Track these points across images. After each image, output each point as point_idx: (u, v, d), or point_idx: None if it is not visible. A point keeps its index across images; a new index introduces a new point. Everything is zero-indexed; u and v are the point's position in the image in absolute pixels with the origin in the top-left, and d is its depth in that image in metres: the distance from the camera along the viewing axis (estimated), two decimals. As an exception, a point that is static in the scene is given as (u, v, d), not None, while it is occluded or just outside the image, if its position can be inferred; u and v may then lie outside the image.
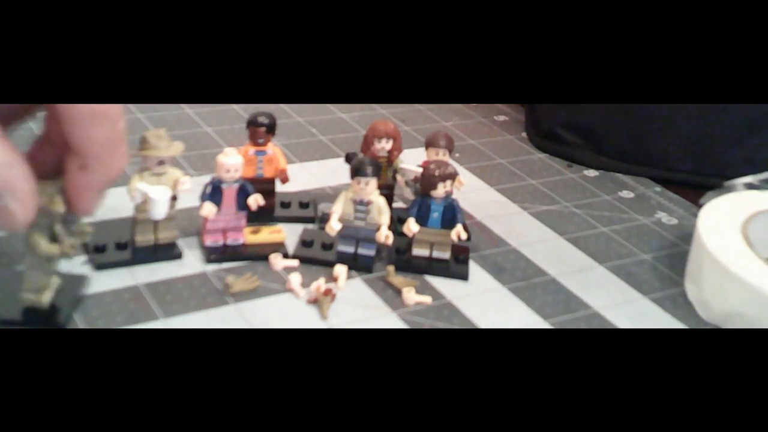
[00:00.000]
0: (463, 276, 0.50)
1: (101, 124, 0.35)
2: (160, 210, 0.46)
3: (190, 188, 0.47)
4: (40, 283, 0.42)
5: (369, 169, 0.48)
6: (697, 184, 0.63)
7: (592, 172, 0.66)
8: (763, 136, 0.64)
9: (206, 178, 0.49)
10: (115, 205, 0.47)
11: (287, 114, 0.69)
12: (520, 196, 0.60)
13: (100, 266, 0.46)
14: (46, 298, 0.42)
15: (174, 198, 0.47)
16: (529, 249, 0.53)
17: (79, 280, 0.44)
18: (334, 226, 0.48)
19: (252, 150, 0.52)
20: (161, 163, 0.46)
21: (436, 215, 0.49)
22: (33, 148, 0.38)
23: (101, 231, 0.47)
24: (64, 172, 0.36)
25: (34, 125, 0.45)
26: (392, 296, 0.47)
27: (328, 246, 0.50)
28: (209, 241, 0.49)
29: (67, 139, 0.35)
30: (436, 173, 0.48)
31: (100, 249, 0.47)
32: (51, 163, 0.37)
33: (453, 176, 0.49)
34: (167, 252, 0.48)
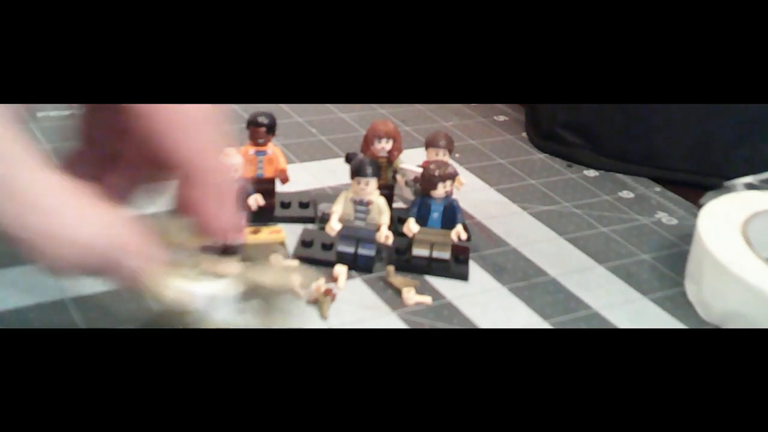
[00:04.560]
0: (463, 276, 0.49)
1: (203, 128, 0.33)
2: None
3: None
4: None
5: (369, 169, 0.48)
6: (697, 184, 0.63)
7: (592, 172, 0.66)
8: (763, 136, 0.64)
9: (206, 178, 0.49)
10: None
11: (287, 114, 0.69)
12: (520, 196, 0.60)
13: None
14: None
15: None
16: (529, 249, 0.53)
17: None
18: (334, 226, 0.48)
19: (252, 150, 0.52)
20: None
21: (436, 215, 0.49)
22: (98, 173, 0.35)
23: None
24: (181, 200, 0.33)
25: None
26: (392, 296, 0.47)
27: (328, 246, 0.50)
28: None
29: (168, 158, 0.32)
30: (436, 173, 0.48)
31: None
32: (125, 187, 0.35)
33: (453, 176, 0.49)
34: None
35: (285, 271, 0.35)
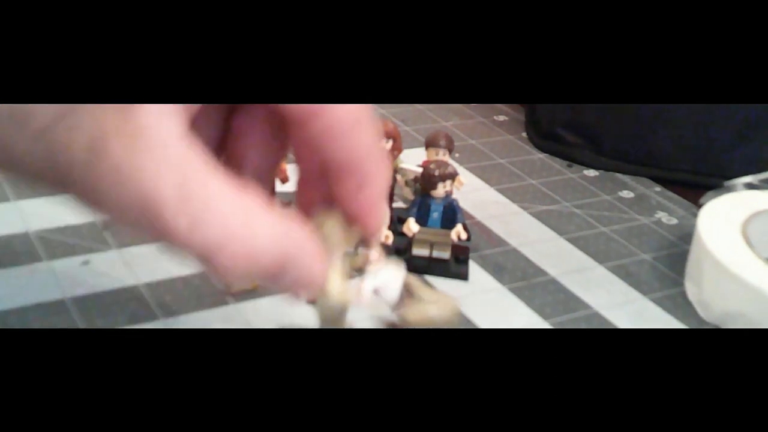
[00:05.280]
0: (463, 276, 0.49)
1: (366, 129, 0.33)
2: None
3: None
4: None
5: (369, 169, 0.48)
6: (697, 184, 0.63)
7: (592, 172, 0.66)
8: (763, 136, 0.64)
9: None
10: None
11: (287, 114, 0.69)
12: (520, 196, 0.60)
13: None
14: None
15: None
16: (529, 249, 0.53)
17: None
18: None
19: (252, 150, 0.52)
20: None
21: (436, 215, 0.49)
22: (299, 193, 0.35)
23: None
24: (338, 200, 0.33)
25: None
26: (392, 296, 0.47)
27: (328, 246, 0.50)
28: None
29: (333, 163, 0.33)
30: (436, 173, 0.48)
31: None
32: (318, 200, 0.34)
33: (453, 176, 0.49)
34: None
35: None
